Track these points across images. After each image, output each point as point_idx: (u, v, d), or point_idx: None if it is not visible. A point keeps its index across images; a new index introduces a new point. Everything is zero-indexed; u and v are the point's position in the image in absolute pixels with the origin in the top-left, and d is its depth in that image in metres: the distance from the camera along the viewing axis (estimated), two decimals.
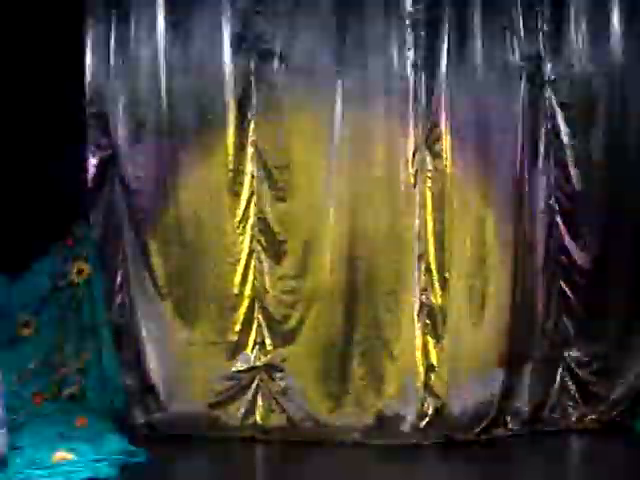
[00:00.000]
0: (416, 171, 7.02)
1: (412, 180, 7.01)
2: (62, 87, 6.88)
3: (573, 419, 7.07)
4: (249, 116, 7.07)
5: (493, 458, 6.49)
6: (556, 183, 7.16)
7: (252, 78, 7.06)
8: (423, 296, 7.00)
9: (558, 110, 7.13)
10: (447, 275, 7.00)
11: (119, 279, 7.08)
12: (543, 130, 7.12)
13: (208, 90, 7.07)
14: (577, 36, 7.10)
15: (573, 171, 7.13)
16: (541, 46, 7.10)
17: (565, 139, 7.15)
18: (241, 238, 7.07)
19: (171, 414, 6.93)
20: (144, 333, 7.04)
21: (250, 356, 7.05)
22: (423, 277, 7.02)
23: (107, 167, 7.11)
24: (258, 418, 6.99)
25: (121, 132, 7.09)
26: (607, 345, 7.10)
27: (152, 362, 7.02)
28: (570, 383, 7.12)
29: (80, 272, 6.76)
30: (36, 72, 6.86)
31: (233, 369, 7.02)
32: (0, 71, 6.79)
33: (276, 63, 7.06)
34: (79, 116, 7.05)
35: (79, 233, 6.89)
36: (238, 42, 7.06)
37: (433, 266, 7.03)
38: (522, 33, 7.07)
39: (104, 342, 6.72)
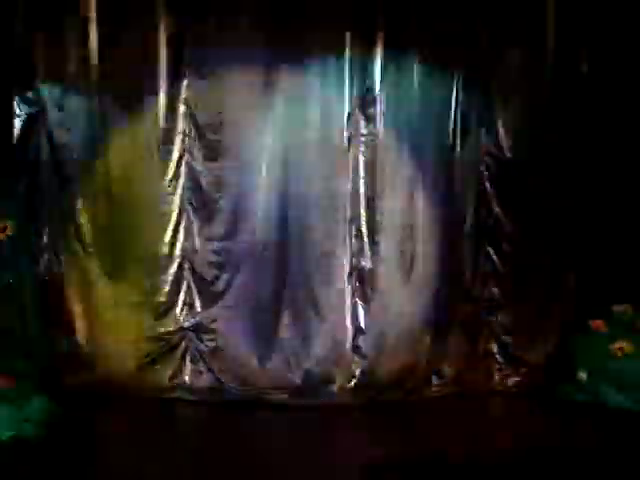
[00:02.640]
0: (350, 135, 7.02)
1: (345, 143, 7.01)
2: None
3: (496, 381, 7.25)
4: (181, 73, 6.95)
5: (416, 419, 6.60)
6: (487, 150, 7.26)
7: (185, 35, 6.93)
8: (354, 259, 7.05)
9: (491, 79, 7.20)
10: (377, 239, 7.06)
11: (45, 236, 6.94)
12: (477, 98, 7.19)
13: (141, 44, 6.91)
14: None
15: (504, 139, 7.24)
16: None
17: (496, 106, 7.24)
18: (171, 197, 6.99)
19: (98, 374, 6.85)
20: (71, 292, 6.94)
21: (179, 317, 7.01)
22: (354, 241, 7.07)
23: (34, 121, 6.92)
24: (186, 379, 6.98)
25: (48, 86, 6.90)
26: (531, 311, 7.27)
27: (79, 321, 6.93)
28: (494, 346, 7.28)
29: (4, 229, 6.58)
30: None
31: (161, 330, 6.98)
32: None
33: (211, 20, 6.93)
34: (5, 69, 6.83)
35: (3, 189, 6.69)
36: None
37: (364, 230, 7.08)
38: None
39: (29, 300, 6.57)
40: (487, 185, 7.26)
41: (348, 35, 6.97)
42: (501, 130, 7.24)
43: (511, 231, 7.28)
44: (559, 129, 7.20)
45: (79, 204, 6.96)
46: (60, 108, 6.93)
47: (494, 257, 7.29)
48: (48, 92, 6.90)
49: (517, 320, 7.29)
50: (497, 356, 7.29)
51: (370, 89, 7.02)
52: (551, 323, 7.26)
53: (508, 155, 7.26)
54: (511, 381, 7.26)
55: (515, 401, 7.09)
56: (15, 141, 6.86)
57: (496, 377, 7.27)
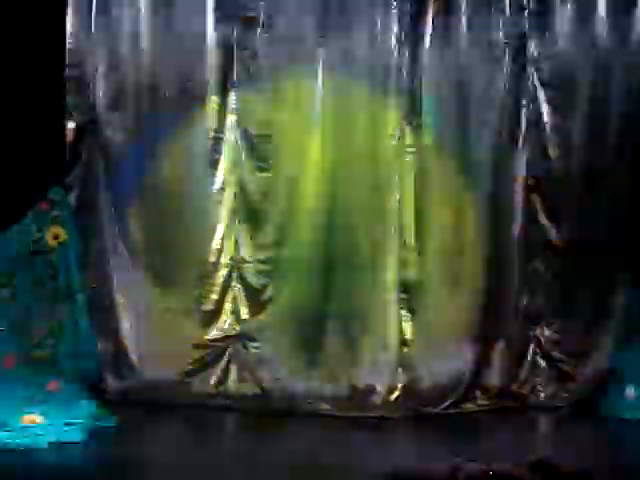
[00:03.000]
0: (397, 145, 7.00)
1: (392, 153, 7.00)
2: (41, 50, 6.79)
3: (542, 397, 7.14)
4: (231, 84, 7.03)
5: (461, 432, 6.53)
6: (535, 162, 7.17)
7: (234, 45, 7.01)
8: (400, 272, 7.02)
9: (540, 89, 7.12)
10: (425, 249, 7.02)
11: (96, 244, 7.08)
12: (524, 108, 7.13)
13: (190, 57, 7.02)
14: (562, 16, 7.07)
15: (552, 150, 7.15)
16: (526, 24, 7.07)
17: (546, 118, 7.15)
18: (220, 207, 7.05)
19: (144, 381, 6.94)
20: (119, 299, 7.04)
21: (225, 325, 7.06)
22: (400, 251, 7.03)
23: (86, 132, 7.05)
24: (230, 387, 7.02)
25: (101, 97, 7.04)
26: (578, 325, 7.16)
27: (126, 329, 7.03)
28: (540, 361, 7.18)
29: (56, 237, 6.72)
30: (15, 35, 6.76)
31: (207, 337, 7.04)
32: None
33: (258, 31, 7.01)
34: (58, 80, 6.98)
35: (56, 197, 6.83)
36: (221, 9, 7.00)
37: (411, 241, 7.04)
38: (507, 10, 7.04)
39: (78, 307, 6.67)
40: (536, 198, 7.17)
41: (395, 44, 6.95)
42: (551, 142, 7.15)
43: (560, 245, 7.18)
44: (613, 136, 7.10)
45: (129, 212, 7.08)
46: (112, 117, 7.06)
47: (542, 271, 7.19)
48: (99, 101, 7.04)
49: (565, 335, 7.17)
50: (544, 371, 7.18)
51: (416, 98, 7.00)
52: (600, 338, 7.14)
53: (558, 167, 7.16)
54: (557, 396, 7.14)
55: (561, 417, 6.98)
56: (67, 150, 7.01)
57: (542, 392, 7.15)
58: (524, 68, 7.10)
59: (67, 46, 6.92)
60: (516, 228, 7.15)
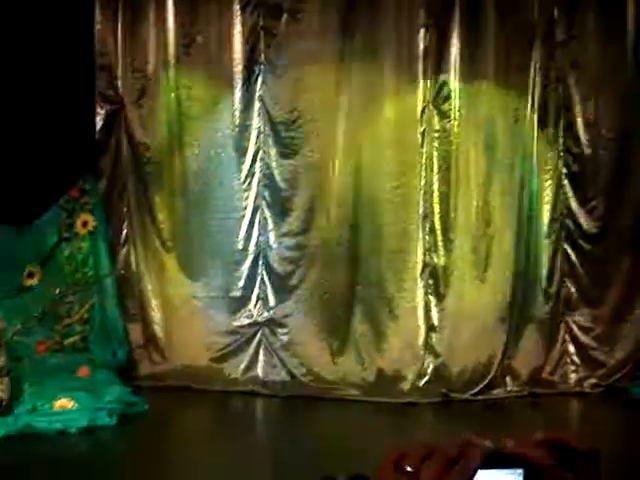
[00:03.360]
0: (424, 130, 6.97)
1: (419, 139, 6.97)
2: (71, 40, 6.87)
3: (572, 382, 7.09)
4: (256, 71, 7.04)
5: (490, 417, 6.51)
6: (565, 146, 7.11)
7: (260, 33, 7.02)
8: (427, 256, 7.00)
9: (570, 72, 7.04)
10: (452, 236, 6.99)
11: (124, 231, 7.15)
12: (553, 93, 7.04)
13: (216, 45, 7.05)
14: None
15: (582, 135, 7.07)
16: (555, 8, 6.99)
17: (576, 102, 7.08)
18: (246, 194, 7.09)
19: (173, 366, 7.03)
20: (148, 286, 7.13)
21: (253, 311, 7.10)
22: (427, 237, 7.01)
23: (114, 119, 7.14)
24: (259, 372, 7.06)
25: (127, 85, 7.11)
26: (609, 310, 7.09)
27: (156, 315, 7.11)
28: (570, 347, 7.13)
29: (85, 224, 6.80)
30: (47, 26, 6.83)
31: (236, 324, 7.08)
32: (14, 24, 6.78)
33: (284, 18, 7.00)
34: (87, 68, 7.06)
35: (85, 185, 6.92)
36: None
37: (438, 226, 7.01)
38: None
39: (108, 294, 6.78)
40: (565, 182, 7.11)
41: (422, 30, 6.91)
42: (580, 125, 7.07)
43: (589, 229, 7.12)
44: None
45: (157, 200, 7.14)
46: (139, 106, 7.12)
47: (572, 256, 7.13)
48: (127, 90, 7.10)
49: (595, 320, 7.11)
50: (574, 357, 7.13)
51: (444, 83, 6.95)
52: (630, 323, 7.06)
53: (587, 151, 7.09)
54: (587, 382, 7.07)
55: (591, 401, 6.91)
56: (97, 137, 7.09)
57: (572, 378, 7.10)
58: (554, 50, 7.01)
59: (95, 34, 7.01)
60: (546, 212, 7.08)
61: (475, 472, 1.36)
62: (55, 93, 6.83)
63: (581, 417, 6.90)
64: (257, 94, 7.05)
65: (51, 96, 6.83)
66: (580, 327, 7.14)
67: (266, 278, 7.09)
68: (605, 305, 7.11)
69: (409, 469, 1.36)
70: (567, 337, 7.14)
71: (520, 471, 1.40)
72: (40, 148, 6.75)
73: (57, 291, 6.56)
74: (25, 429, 5.64)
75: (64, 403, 5.90)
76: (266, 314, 7.09)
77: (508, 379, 6.97)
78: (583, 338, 7.13)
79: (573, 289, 7.15)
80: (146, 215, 7.13)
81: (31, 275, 6.62)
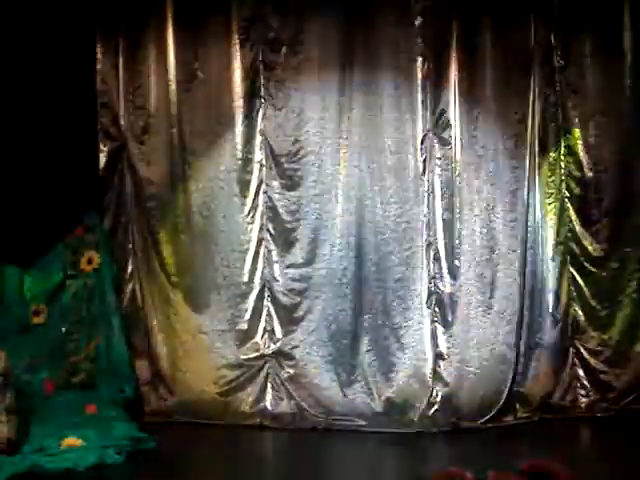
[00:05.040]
0: (425, 159, 6.99)
1: (420, 167, 6.99)
2: (72, 78, 6.98)
3: (582, 407, 7.04)
4: (257, 105, 7.09)
5: (500, 445, 6.45)
6: (567, 170, 7.12)
7: (260, 67, 7.08)
8: (432, 284, 6.98)
9: (569, 96, 7.07)
10: (457, 263, 6.99)
11: (129, 268, 7.17)
12: (553, 117, 7.07)
13: (216, 80, 7.11)
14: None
15: (584, 158, 7.08)
16: (552, 34, 7.03)
17: (576, 127, 7.10)
18: (250, 227, 7.10)
19: (181, 401, 7.01)
20: (155, 321, 7.14)
21: (260, 344, 7.08)
22: (432, 265, 7.00)
23: (117, 156, 7.20)
24: (267, 405, 7.03)
25: (130, 122, 7.17)
26: (617, 333, 7.06)
27: (162, 350, 7.11)
28: (580, 371, 7.08)
29: (90, 261, 6.83)
30: (50, 68, 6.96)
31: (243, 357, 7.06)
32: (17, 63, 6.88)
33: (283, 52, 7.06)
34: (90, 106, 7.14)
35: (89, 222, 6.96)
36: (246, 31, 7.08)
37: (442, 254, 7.00)
38: (534, 20, 7.02)
39: (114, 330, 6.79)
40: (568, 205, 7.11)
41: (420, 59, 6.96)
42: (581, 148, 7.09)
43: (595, 252, 7.11)
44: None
45: (162, 235, 7.16)
46: (142, 142, 7.18)
47: (578, 279, 7.11)
48: (129, 127, 7.16)
49: (603, 343, 7.08)
50: (584, 381, 7.07)
51: (444, 111, 6.98)
52: (639, 345, 7.03)
53: (589, 174, 7.10)
54: (598, 406, 7.02)
55: (605, 426, 6.85)
56: (101, 174, 7.14)
57: (583, 402, 7.04)
58: (552, 76, 7.05)
59: (97, 73, 7.11)
60: (550, 236, 7.08)
61: None
62: (57, 132, 6.93)
63: (592, 441, 6.83)
64: (258, 128, 7.10)
65: (53, 135, 6.93)
66: (589, 351, 7.10)
67: (272, 310, 7.09)
68: (613, 327, 7.08)
69: None
70: (576, 361, 7.09)
71: None
72: (44, 187, 6.82)
73: (63, 329, 6.57)
74: (33, 468, 5.62)
75: (72, 441, 5.87)
76: (273, 346, 7.07)
77: (518, 405, 6.92)
78: (592, 362, 7.08)
79: (580, 312, 7.12)
80: (151, 250, 7.15)
81: (37, 313, 6.64)
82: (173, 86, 7.13)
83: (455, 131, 6.99)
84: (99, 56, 7.19)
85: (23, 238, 6.70)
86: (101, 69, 7.20)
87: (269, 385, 7.05)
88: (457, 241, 7.00)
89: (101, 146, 7.17)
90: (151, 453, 6.13)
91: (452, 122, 6.99)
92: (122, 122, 7.17)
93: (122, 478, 5.82)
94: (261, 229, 7.10)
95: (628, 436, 6.57)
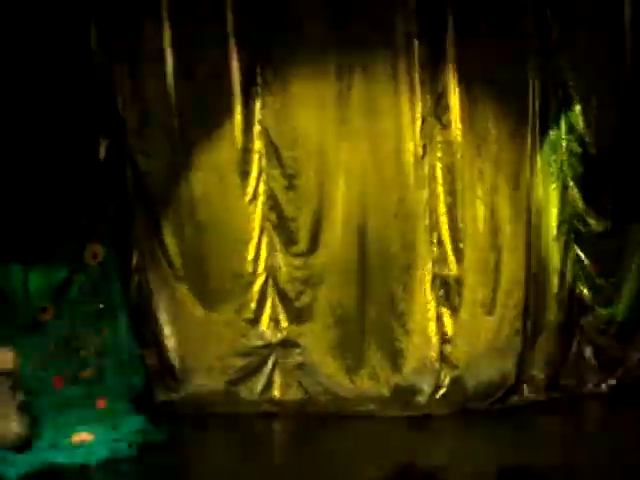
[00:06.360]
0: (425, 142, 6.97)
1: (420, 151, 6.97)
2: (72, 73, 6.94)
3: (590, 385, 7.04)
4: (255, 94, 7.07)
5: (509, 426, 6.50)
6: (568, 148, 7.08)
7: (258, 56, 7.03)
8: (436, 268, 6.99)
9: (568, 74, 7.02)
10: (461, 245, 6.98)
11: (134, 260, 7.19)
12: (553, 96, 7.02)
13: (215, 70, 7.07)
14: None
15: (586, 135, 7.04)
16: (549, 11, 6.96)
17: (577, 104, 7.05)
18: (252, 217, 7.10)
19: (190, 392, 7.05)
20: (161, 313, 7.15)
21: (266, 333, 7.11)
22: (436, 249, 7.00)
23: (118, 149, 7.17)
24: (276, 393, 7.07)
25: (129, 114, 7.15)
26: (622, 309, 7.05)
27: (170, 341, 7.13)
28: (587, 349, 7.09)
29: (95, 255, 6.84)
30: (48, 61, 6.89)
31: (249, 346, 7.09)
32: (19, 60, 6.86)
33: (282, 38, 6.99)
34: (89, 99, 7.11)
35: (92, 216, 6.96)
36: (243, 19, 7.03)
37: (446, 238, 7.00)
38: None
39: (121, 323, 6.81)
40: (571, 184, 7.08)
41: (416, 41, 6.92)
42: (583, 126, 7.05)
43: (598, 229, 7.07)
44: None
45: (165, 227, 7.16)
46: (142, 134, 7.17)
47: (583, 258, 7.10)
48: (129, 119, 7.15)
49: (609, 320, 7.07)
50: (591, 359, 7.08)
51: (443, 94, 6.95)
52: None
53: (592, 152, 7.06)
54: (606, 384, 7.02)
55: (611, 404, 6.88)
56: (100, 169, 7.14)
57: (590, 380, 7.05)
58: (552, 56, 6.99)
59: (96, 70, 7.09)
60: (554, 215, 7.07)
61: None
62: (57, 126, 6.89)
63: (599, 420, 6.86)
64: (257, 117, 7.07)
65: (54, 129, 6.89)
66: (595, 328, 7.09)
67: (277, 299, 7.10)
68: (619, 304, 7.07)
69: None
70: (583, 339, 7.10)
71: None
72: (45, 183, 6.80)
73: (71, 324, 6.61)
74: (45, 465, 5.67)
75: (83, 436, 5.94)
76: (279, 335, 7.10)
77: (525, 386, 6.93)
78: (599, 339, 7.08)
79: (586, 291, 7.11)
80: (155, 242, 7.15)
81: (44, 310, 6.67)
82: (171, 77, 7.09)
83: (455, 114, 6.96)
84: (97, 48, 7.13)
85: (25, 235, 6.70)
86: (99, 61, 7.15)
87: (276, 373, 7.07)
88: (460, 225, 6.98)
89: (101, 139, 7.15)
90: (162, 445, 6.16)
91: (451, 104, 6.95)
92: (122, 114, 7.14)
93: (135, 471, 5.87)
94: (263, 218, 7.10)
95: (633, 414, 6.60)
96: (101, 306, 6.71)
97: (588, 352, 7.10)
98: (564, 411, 6.81)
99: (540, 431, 6.39)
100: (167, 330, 7.13)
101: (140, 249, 7.18)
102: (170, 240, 7.16)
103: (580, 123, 7.07)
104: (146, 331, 7.12)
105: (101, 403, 6.34)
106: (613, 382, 7.03)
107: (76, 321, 6.67)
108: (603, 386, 7.03)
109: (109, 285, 6.86)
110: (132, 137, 7.14)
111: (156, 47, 7.08)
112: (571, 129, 7.09)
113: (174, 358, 7.11)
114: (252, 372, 7.06)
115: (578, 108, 7.07)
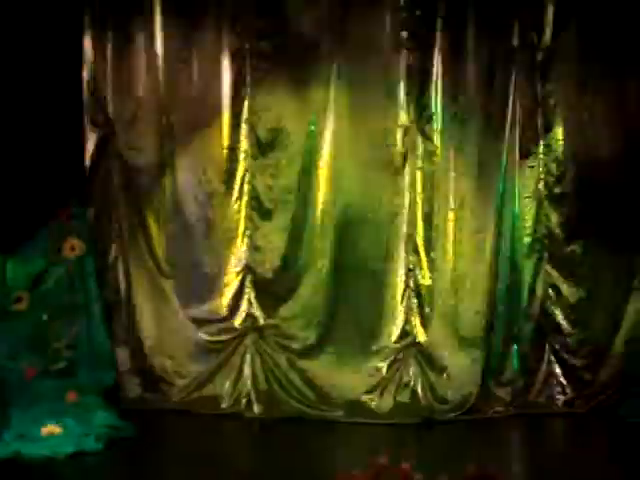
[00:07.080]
0: (405, 152, 7.04)
1: (401, 160, 7.04)
2: (60, 66, 6.94)
3: (559, 403, 7.14)
4: (244, 94, 7.11)
5: (474, 439, 6.57)
6: (545, 167, 7.18)
7: (247, 55, 7.08)
8: (410, 277, 7.06)
9: (549, 94, 7.12)
10: (433, 256, 7.07)
11: (112, 255, 7.20)
12: (535, 116, 7.12)
13: (204, 68, 7.13)
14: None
15: (563, 156, 7.16)
16: (534, 34, 7.07)
17: (558, 125, 7.16)
18: (237, 216, 7.15)
19: (163, 389, 7.09)
20: (137, 309, 7.18)
21: (241, 329, 7.15)
22: (410, 258, 7.08)
23: (104, 144, 7.19)
24: (250, 391, 7.06)
25: (118, 109, 7.17)
26: (593, 330, 7.16)
27: (146, 338, 7.16)
28: (556, 367, 7.18)
29: (73, 248, 6.85)
30: (37, 54, 6.88)
31: (224, 341, 7.14)
32: (5, 53, 6.86)
33: (271, 40, 7.07)
34: (76, 94, 7.13)
35: (73, 209, 6.96)
36: (233, 19, 7.09)
37: (420, 247, 7.08)
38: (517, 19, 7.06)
39: (95, 318, 6.81)
40: (545, 203, 7.17)
41: (404, 52, 7.01)
42: (560, 146, 7.16)
43: (572, 247, 7.18)
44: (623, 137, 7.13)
45: (150, 223, 7.19)
46: (130, 130, 7.18)
47: (554, 276, 7.19)
48: (117, 114, 7.17)
49: (580, 340, 7.17)
50: (560, 377, 7.17)
51: (426, 105, 7.04)
52: (616, 342, 7.14)
53: (568, 172, 7.16)
54: (574, 403, 7.12)
55: (578, 421, 6.97)
56: (87, 162, 7.15)
57: (558, 399, 7.16)
58: (533, 73, 7.10)
59: (84, 60, 7.11)
60: (527, 233, 7.16)
61: None
62: (43, 119, 6.88)
63: (566, 438, 6.95)
64: (244, 116, 7.12)
65: (39, 122, 6.88)
66: (565, 347, 7.18)
67: (253, 298, 7.15)
68: (590, 324, 7.17)
69: None
70: (552, 358, 7.18)
71: None
72: (27, 174, 6.80)
73: (45, 316, 6.61)
74: (13, 456, 5.70)
75: (52, 429, 5.96)
76: (254, 333, 7.13)
77: (494, 399, 7.02)
78: (568, 358, 7.17)
79: (557, 310, 7.20)
80: (139, 239, 7.18)
81: (19, 300, 6.66)
82: (161, 74, 7.13)
83: (437, 125, 7.06)
84: (86, 43, 7.15)
85: (5, 224, 6.70)
86: (88, 56, 7.16)
87: (250, 371, 7.09)
88: (434, 234, 7.08)
89: (89, 133, 7.16)
90: (131, 441, 6.20)
91: (434, 116, 7.06)
92: (110, 109, 7.16)
93: (102, 466, 5.89)
94: (245, 217, 7.14)
95: (599, 432, 6.70)
96: (76, 300, 6.71)
97: (557, 370, 7.18)
98: (529, 427, 6.89)
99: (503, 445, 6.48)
100: (143, 326, 7.16)
101: (121, 245, 7.18)
102: (154, 237, 7.18)
103: (559, 144, 7.17)
104: (121, 327, 7.14)
105: (71, 396, 6.34)
106: (580, 401, 7.12)
107: (50, 313, 6.67)
108: (571, 405, 7.11)
109: (85, 279, 6.86)
110: (120, 132, 7.16)
111: (147, 43, 7.11)
112: (549, 149, 7.19)
113: (147, 354, 7.13)
114: (226, 370, 7.08)
115: (559, 129, 7.18)
